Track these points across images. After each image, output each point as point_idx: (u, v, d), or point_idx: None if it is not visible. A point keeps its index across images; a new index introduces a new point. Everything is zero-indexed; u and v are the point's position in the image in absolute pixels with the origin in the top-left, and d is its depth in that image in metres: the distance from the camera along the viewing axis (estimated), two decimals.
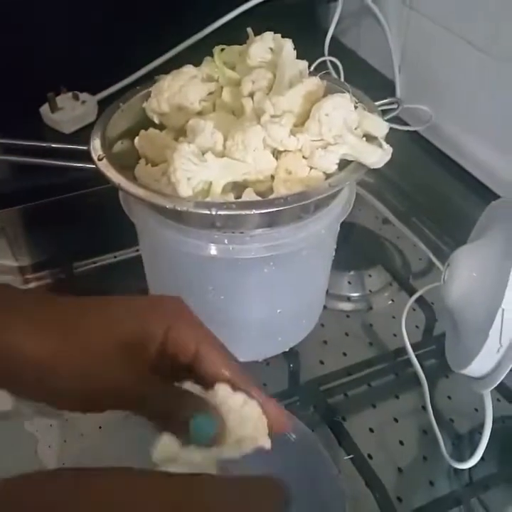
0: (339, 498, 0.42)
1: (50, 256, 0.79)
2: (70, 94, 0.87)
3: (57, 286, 0.77)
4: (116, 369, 0.35)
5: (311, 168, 0.54)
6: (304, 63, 0.58)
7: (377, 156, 0.52)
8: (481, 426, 0.56)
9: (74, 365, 0.35)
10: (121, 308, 0.38)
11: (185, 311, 0.38)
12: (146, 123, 0.61)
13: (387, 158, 0.52)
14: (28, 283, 0.79)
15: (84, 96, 0.87)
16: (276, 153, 0.55)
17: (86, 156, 0.57)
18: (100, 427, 0.57)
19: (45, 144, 0.60)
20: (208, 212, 0.49)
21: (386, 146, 0.52)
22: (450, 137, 0.84)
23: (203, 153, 0.52)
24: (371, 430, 0.62)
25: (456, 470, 0.58)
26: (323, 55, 0.94)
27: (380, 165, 0.52)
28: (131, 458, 0.43)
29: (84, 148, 0.56)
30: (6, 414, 0.60)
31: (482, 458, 0.55)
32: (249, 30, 0.61)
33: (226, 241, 0.54)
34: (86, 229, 0.78)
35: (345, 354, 0.70)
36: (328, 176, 0.54)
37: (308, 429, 0.46)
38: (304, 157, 0.53)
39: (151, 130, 0.60)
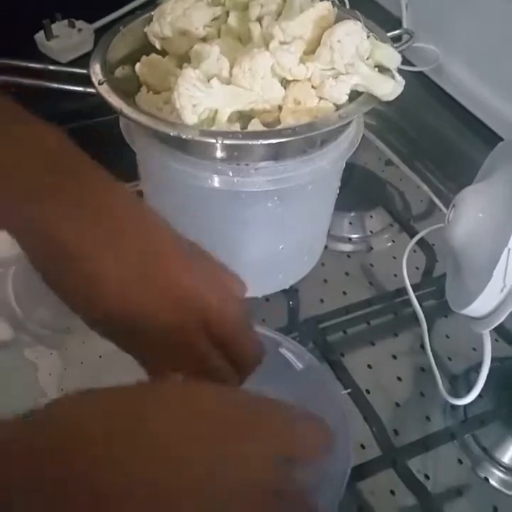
0: (344, 427, 0.43)
1: None
2: (65, 21, 0.84)
3: None
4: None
5: (321, 98, 0.52)
6: None
7: (390, 87, 0.50)
8: (479, 365, 0.56)
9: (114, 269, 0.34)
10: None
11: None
12: (147, 48, 0.59)
13: (400, 90, 0.51)
14: None
15: (80, 24, 0.85)
16: (285, 83, 0.53)
17: (85, 82, 0.55)
18: (100, 356, 0.57)
19: (42, 66, 0.58)
20: (214, 140, 0.48)
21: (399, 77, 0.51)
22: (457, 79, 0.82)
23: (209, 80, 0.51)
24: (369, 367, 0.63)
25: (452, 407, 0.58)
26: None
27: (392, 97, 0.51)
28: None
29: (84, 71, 0.55)
30: (7, 343, 0.60)
31: (479, 395, 0.55)
32: None
33: (230, 173, 0.52)
34: None
35: (345, 293, 0.69)
36: (337, 107, 0.52)
37: (315, 359, 0.46)
38: (313, 87, 0.52)
39: (153, 56, 0.58)
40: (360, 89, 0.51)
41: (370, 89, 0.51)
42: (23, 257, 0.35)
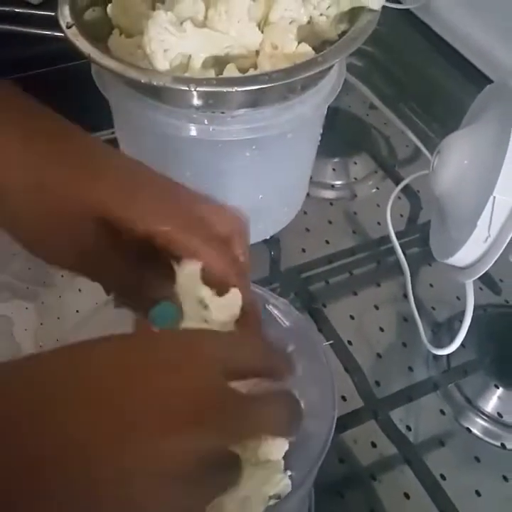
0: (330, 384, 0.42)
1: None
2: None
3: None
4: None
5: (299, 42, 0.50)
6: None
7: None
8: (462, 314, 0.56)
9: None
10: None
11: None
12: None
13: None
14: None
15: None
16: (262, 26, 0.51)
17: (55, 26, 0.52)
18: (77, 311, 0.56)
19: (7, 9, 0.55)
20: (187, 88, 0.46)
21: None
22: (445, 17, 0.79)
23: (182, 23, 0.48)
24: (351, 317, 0.62)
25: (435, 357, 0.58)
26: None
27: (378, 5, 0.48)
28: None
29: (52, 14, 0.52)
30: None
31: (462, 345, 0.55)
32: None
33: (206, 121, 0.50)
34: (58, 109, 0.74)
35: (327, 242, 0.68)
36: (317, 52, 0.50)
37: (302, 317, 0.46)
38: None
39: None
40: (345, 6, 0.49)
41: None
42: None
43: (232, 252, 0.35)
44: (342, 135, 0.77)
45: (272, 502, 0.45)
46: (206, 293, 0.33)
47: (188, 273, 0.33)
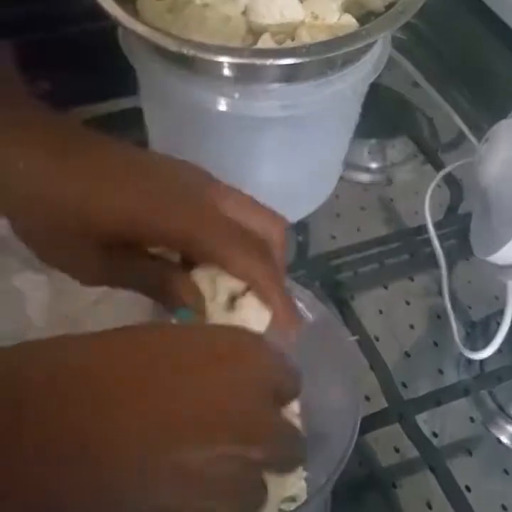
0: (355, 385, 0.40)
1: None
2: None
3: None
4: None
5: (342, 13, 0.46)
6: None
7: None
8: (500, 315, 0.52)
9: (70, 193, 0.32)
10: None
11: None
12: None
13: None
14: None
15: None
16: None
17: None
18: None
19: None
20: (218, 59, 0.43)
21: None
22: None
23: None
24: (380, 311, 0.59)
25: (467, 359, 0.55)
26: None
27: None
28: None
29: None
30: None
31: (498, 349, 0.52)
32: None
33: (237, 95, 0.47)
34: (82, 73, 0.71)
35: (359, 229, 0.65)
36: (361, 24, 0.46)
37: (328, 311, 0.43)
38: None
39: None
40: None
41: None
42: None
43: (272, 262, 0.33)
44: (381, 114, 0.73)
45: (285, 505, 0.43)
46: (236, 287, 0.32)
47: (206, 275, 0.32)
